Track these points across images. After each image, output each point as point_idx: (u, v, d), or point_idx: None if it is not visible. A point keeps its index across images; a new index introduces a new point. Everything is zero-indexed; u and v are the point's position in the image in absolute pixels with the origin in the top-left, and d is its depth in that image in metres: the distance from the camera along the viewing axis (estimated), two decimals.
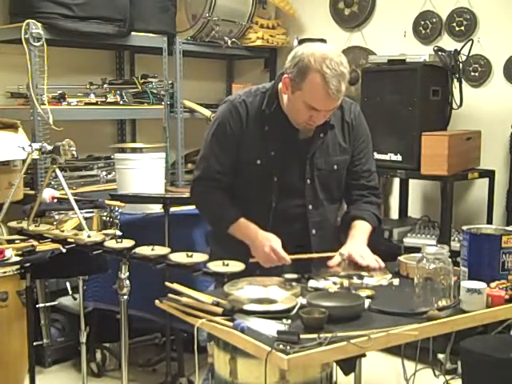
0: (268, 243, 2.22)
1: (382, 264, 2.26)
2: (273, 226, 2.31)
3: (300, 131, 2.33)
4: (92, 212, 2.96)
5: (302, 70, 2.16)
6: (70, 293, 3.43)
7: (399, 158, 3.76)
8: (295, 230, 2.33)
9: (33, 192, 3.64)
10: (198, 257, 2.15)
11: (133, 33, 4.07)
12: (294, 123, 2.31)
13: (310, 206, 2.36)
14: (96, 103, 4.06)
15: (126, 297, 2.49)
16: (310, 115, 2.22)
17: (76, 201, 2.60)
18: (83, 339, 2.99)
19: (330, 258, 2.26)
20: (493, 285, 2.04)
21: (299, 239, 2.34)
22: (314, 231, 2.37)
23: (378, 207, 2.49)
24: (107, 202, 3.08)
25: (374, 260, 2.25)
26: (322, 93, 2.15)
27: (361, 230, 2.38)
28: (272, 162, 2.31)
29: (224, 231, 2.33)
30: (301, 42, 3.93)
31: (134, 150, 3.77)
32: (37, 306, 3.54)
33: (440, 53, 3.78)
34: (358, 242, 2.32)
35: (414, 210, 4.31)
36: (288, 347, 1.63)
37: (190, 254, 2.15)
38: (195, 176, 2.43)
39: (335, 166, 2.39)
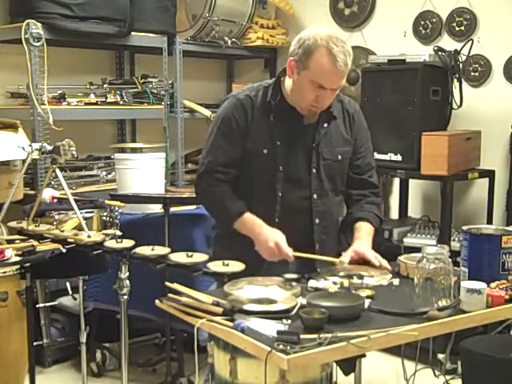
0: (272, 238, 2.23)
1: (389, 267, 2.28)
2: (280, 216, 2.34)
3: (304, 117, 2.35)
4: (92, 212, 2.96)
5: (308, 48, 2.19)
6: (70, 293, 3.43)
7: (399, 158, 3.76)
8: (300, 220, 2.35)
9: (33, 192, 3.64)
10: (198, 257, 2.14)
11: (133, 33, 4.07)
12: (299, 108, 2.33)
13: (315, 196, 2.37)
14: (96, 103, 4.06)
15: (126, 297, 2.49)
16: (316, 95, 2.24)
17: (76, 201, 2.60)
18: (83, 339, 2.99)
19: (332, 262, 2.26)
20: (493, 285, 2.03)
21: (303, 229, 2.35)
22: (317, 220, 2.39)
23: (378, 207, 2.51)
24: (107, 202, 3.08)
25: (384, 261, 2.27)
26: (330, 67, 2.17)
27: (366, 233, 2.39)
28: (278, 151, 2.33)
29: (230, 226, 2.34)
30: None
31: (133, 150, 3.77)
32: (37, 306, 3.54)
33: (440, 53, 3.78)
34: (365, 243, 2.34)
35: (414, 210, 4.31)
36: (288, 347, 1.63)
37: (190, 254, 2.15)
38: (200, 171, 2.43)
39: (339, 157, 2.41)
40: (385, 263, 2.27)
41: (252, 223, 2.31)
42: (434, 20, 4.16)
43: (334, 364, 1.87)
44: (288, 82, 2.35)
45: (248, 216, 2.32)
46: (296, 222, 2.34)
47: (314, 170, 2.37)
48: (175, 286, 2.06)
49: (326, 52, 2.17)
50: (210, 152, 2.39)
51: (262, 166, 2.35)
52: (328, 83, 2.21)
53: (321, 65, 2.18)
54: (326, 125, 2.39)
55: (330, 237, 2.43)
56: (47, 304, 3.61)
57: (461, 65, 3.82)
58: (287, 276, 2.17)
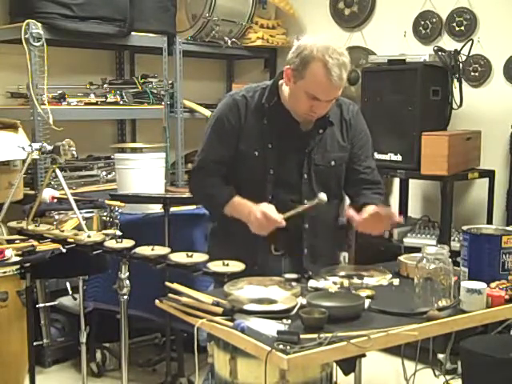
0: (259, 209, 2.22)
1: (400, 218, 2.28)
2: None
3: (301, 124, 2.35)
4: (92, 212, 2.96)
5: (305, 59, 2.19)
6: (70, 293, 3.43)
7: (399, 158, 3.76)
8: (290, 224, 2.34)
9: (33, 192, 3.64)
10: (198, 257, 2.15)
11: (133, 33, 4.07)
12: (295, 115, 2.33)
13: (306, 201, 2.36)
14: (96, 103, 4.06)
15: (126, 297, 2.49)
16: (310, 105, 2.24)
17: (76, 201, 2.60)
18: (83, 339, 2.99)
19: (313, 206, 2.26)
20: (493, 285, 2.04)
21: (293, 233, 2.35)
22: (306, 225, 2.38)
23: (382, 200, 2.47)
24: (107, 202, 3.09)
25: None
26: (324, 80, 2.17)
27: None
28: (269, 154, 2.34)
29: (221, 211, 2.35)
30: None
31: (134, 150, 3.77)
32: (37, 306, 3.54)
33: (440, 53, 3.78)
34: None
35: (414, 210, 4.31)
36: (288, 347, 1.64)
37: (190, 254, 2.15)
38: (192, 167, 2.47)
39: (332, 162, 2.40)
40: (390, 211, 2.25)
41: (240, 205, 2.30)
42: (434, 20, 4.16)
43: (334, 364, 1.88)
44: (286, 87, 2.34)
45: (237, 199, 2.32)
46: (286, 226, 2.31)
47: (305, 176, 2.36)
48: (175, 286, 2.06)
49: (322, 65, 2.16)
50: (203, 150, 2.43)
51: (253, 168, 2.35)
52: (322, 96, 2.21)
53: (315, 77, 2.18)
54: (321, 130, 2.38)
55: (322, 241, 2.41)
56: (47, 304, 3.61)
57: (461, 65, 3.82)
58: (287, 276, 2.17)
